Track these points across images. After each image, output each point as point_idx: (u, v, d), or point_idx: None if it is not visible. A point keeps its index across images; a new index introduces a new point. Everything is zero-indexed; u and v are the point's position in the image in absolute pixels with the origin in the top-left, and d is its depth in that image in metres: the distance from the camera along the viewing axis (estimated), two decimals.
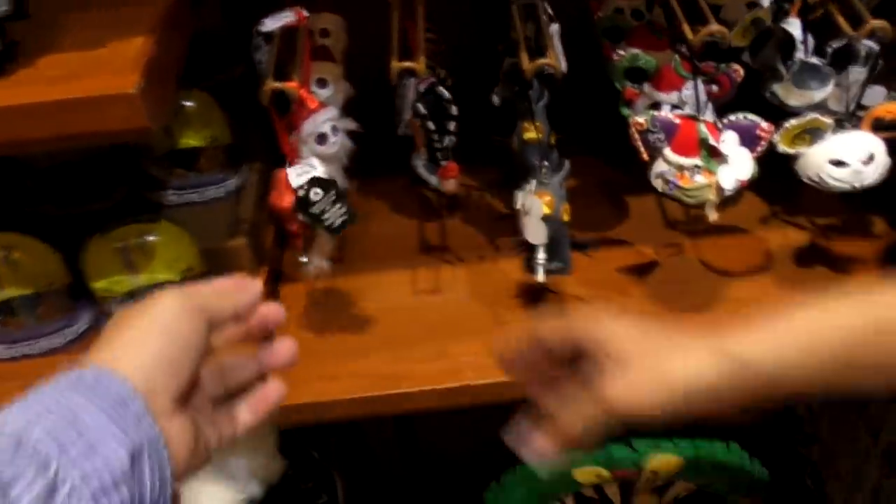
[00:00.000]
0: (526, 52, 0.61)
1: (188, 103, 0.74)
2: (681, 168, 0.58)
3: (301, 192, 0.60)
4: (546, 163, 0.63)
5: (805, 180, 0.61)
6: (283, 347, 0.49)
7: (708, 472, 0.80)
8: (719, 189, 0.58)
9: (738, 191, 0.61)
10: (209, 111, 0.76)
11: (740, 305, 0.69)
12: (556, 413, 0.49)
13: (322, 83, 0.69)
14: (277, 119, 0.61)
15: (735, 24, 0.63)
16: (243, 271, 0.72)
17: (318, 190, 0.62)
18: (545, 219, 0.61)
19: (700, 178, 0.58)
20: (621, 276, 0.73)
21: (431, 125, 0.70)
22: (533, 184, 0.63)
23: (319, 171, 0.63)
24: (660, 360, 0.48)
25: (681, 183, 0.58)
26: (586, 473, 0.80)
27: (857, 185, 0.60)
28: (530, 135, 0.66)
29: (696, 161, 0.58)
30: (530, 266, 0.65)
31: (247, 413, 0.48)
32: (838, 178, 0.60)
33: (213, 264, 0.71)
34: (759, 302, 0.70)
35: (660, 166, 0.60)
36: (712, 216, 0.60)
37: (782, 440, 1.13)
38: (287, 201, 0.61)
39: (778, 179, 0.62)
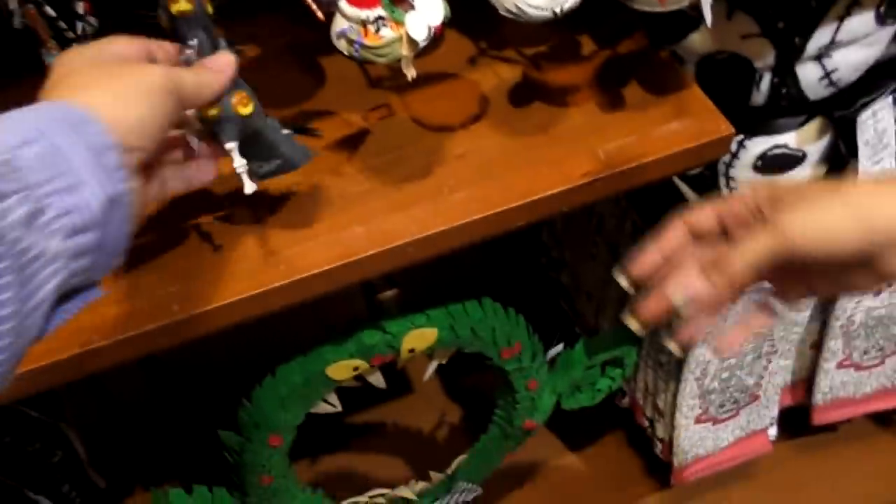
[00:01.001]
0: None
1: None
2: (363, 23, 0.49)
3: None
4: (202, 41, 0.51)
5: (504, 14, 0.54)
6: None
7: (466, 334, 0.76)
8: (411, 41, 0.50)
9: (435, 37, 0.52)
10: None
11: (462, 162, 0.63)
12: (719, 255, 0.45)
13: None
14: None
15: None
16: None
17: None
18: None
19: (387, 32, 0.49)
20: (331, 154, 0.64)
21: (51, 11, 0.55)
22: None
23: None
24: (861, 196, 0.42)
25: (366, 41, 0.49)
26: (341, 369, 0.73)
27: (557, 10, 0.54)
28: (180, 6, 0.52)
29: (379, 11, 0.49)
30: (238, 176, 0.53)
31: (177, 182, 0.50)
32: (537, 6, 0.53)
33: None
34: (481, 153, 0.64)
35: (339, 24, 0.50)
36: (410, 73, 0.51)
37: (532, 270, 1.13)
38: None
39: (476, 10, 0.55)
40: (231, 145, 0.51)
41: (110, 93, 0.41)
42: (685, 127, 0.65)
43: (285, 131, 0.56)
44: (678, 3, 0.55)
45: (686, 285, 0.47)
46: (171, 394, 1.04)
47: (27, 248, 0.35)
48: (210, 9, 0.55)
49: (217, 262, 0.58)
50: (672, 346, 0.50)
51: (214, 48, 0.55)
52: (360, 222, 0.60)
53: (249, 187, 0.52)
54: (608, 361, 0.95)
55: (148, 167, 0.48)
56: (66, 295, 0.38)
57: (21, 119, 0.38)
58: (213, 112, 0.49)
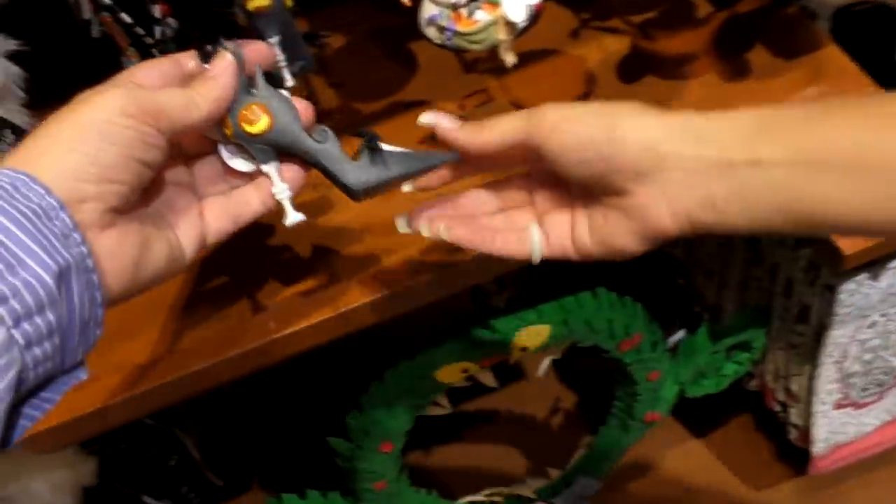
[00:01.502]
0: None
1: None
2: (453, 7, 0.44)
3: None
4: (282, 37, 0.47)
5: None
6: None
7: (581, 328, 0.71)
8: (509, 24, 0.44)
9: (535, 15, 0.47)
10: None
11: None
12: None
13: None
14: None
15: None
16: None
17: None
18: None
19: (482, 15, 0.44)
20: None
21: (127, 17, 0.52)
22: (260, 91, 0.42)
23: None
24: (620, 113, 0.39)
25: (459, 27, 0.44)
26: (450, 372, 0.70)
27: None
28: (257, 1, 0.49)
29: None
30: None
31: (254, 204, 0.43)
32: None
33: None
34: None
35: (428, 9, 0.45)
36: (509, 59, 0.46)
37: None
38: None
39: None
40: (267, 168, 0.42)
41: (47, 141, 0.35)
42: (823, 92, 0.58)
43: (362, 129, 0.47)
44: None
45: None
46: (282, 395, 1.03)
47: None
48: (289, 2, 0.51)
49: (312, 276, 0.55)
50: (400, 224, 0.45)
51: (294, 42, 0.51)
52: None
53: (291, 217, 0.43)
54: (734, 345, 0.88)
55: (200, 197, 0.43)
56: (35, 388, 0.33)
57: None
58: (228, 132, 0.42)
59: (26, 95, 0.50)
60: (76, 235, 0.34)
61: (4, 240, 0.32)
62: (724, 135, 0.38)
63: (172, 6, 0.55)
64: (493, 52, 0.50)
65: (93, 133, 0.35)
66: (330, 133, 0.42)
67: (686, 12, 0.64)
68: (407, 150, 0.43)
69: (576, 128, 0.39)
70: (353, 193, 0.43)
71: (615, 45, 0.62)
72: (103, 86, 0.38)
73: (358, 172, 0.42)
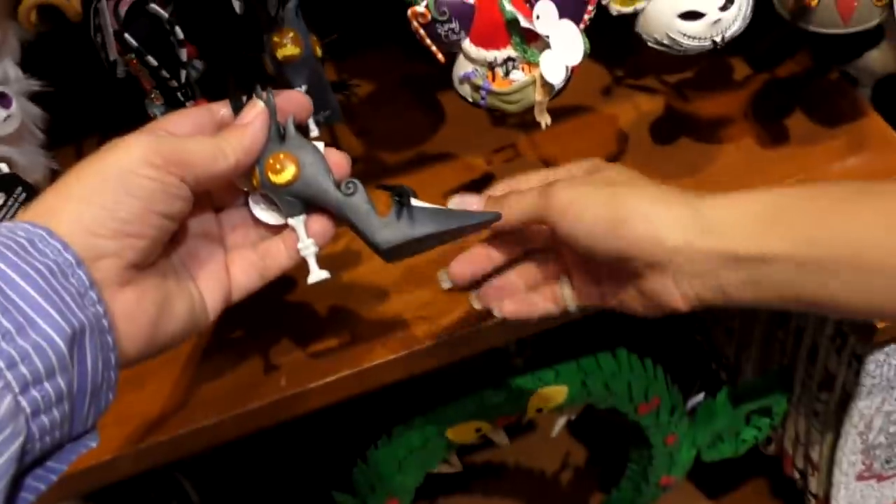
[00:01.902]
0: None
1: None
2: (490, 65, 0.42)
3: None
4: (310, 87, 0.45)
5: (653, 46, 0.47)
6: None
7: (599, 390, 0.69)
8: (546, 85, 0.43)
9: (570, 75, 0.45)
10: None
11: None
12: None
13: None
14: None
15: None
16: None
17: None
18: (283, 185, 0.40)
19: (518, 75, 0.43)
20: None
21: (153, 60, 0.51)
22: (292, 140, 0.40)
23: None
24: (631, 197, 0.40)
25: (494, 86, 0.43)
26: (463, 431, 0.67)
27: (717, 38, 0.46)
28: (286, 50, 0.48)
29: (508, 52, 0.42)
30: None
31: (281, 258, 0.41)
32: (694, 36, 0.45)
33: None
34: None
35: (462, 67, 0.44)
36: (544, 120, 0.45)
37: None
38: None
39: (609, 32, 0.48)
40: (293, 221, 0.40)
41: (65, 196, 0.33)
42: (864, 163, 0.56)
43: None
44: (867, 22, 0.47)
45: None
46: (286, 442, 1.01)
47: None
48: (319, 52, 0.50)
49: (329, 332, 0.53)
50: (474, 303, 0.45)
51: (322, 92, 0.50)
52: None
53: (314, 275, 0.41)
54: (754, 409, 0.86)
55: (227, 248, 0.41)
56: (41, 458, 0.31)
57: None
58: (255, 182, 0.40)
59: (45, 136, 0.49)
60: (93, 294, 0.32)
61: (16, 299, 0.30)
62: (732, 227, 0.39)
63: (202, 49, 0.54)
64: None
65: (113, 185, 0.34)
66: (359, 186, 0.40)
67: (723, 74, 0.62)
68: (442, 208, 0.40)
69: (585, 212, 0.40)
70: (381, 251, 0.40)
71: (649, 105, 0.61)
72: (131, 133, 0.36)
73: (386, 229, 0.40)
